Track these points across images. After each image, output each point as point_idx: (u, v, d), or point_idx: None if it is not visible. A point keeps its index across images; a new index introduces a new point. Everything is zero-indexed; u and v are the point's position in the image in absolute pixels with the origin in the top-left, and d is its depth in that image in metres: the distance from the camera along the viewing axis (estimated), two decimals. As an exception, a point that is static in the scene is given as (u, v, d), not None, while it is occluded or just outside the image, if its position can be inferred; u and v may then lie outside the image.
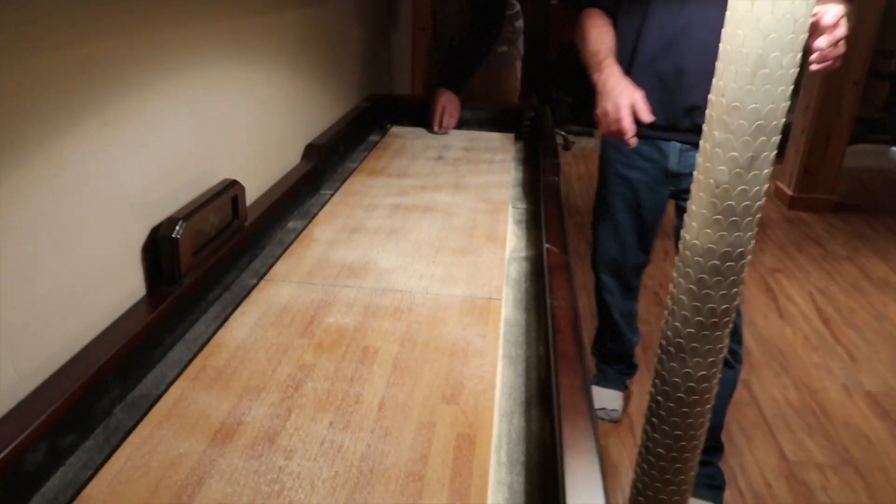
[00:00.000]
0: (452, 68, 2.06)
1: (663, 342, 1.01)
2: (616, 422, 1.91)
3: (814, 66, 1.09)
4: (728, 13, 0.83)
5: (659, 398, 1.02)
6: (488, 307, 1.00)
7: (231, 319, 0.94)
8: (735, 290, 0.94)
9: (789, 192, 3.68)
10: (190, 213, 0.96)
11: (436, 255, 1.17)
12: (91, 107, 0.78)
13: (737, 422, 1.92)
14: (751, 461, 1.78)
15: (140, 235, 0.91)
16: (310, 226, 1.27)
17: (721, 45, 0.89)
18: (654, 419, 1.04)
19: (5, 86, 0.65)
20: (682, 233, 0.97)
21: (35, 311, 0.72)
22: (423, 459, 0.69)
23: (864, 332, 2.44)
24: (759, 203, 0.91)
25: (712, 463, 1.67)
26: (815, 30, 1.05)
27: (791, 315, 2.54)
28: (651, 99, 1.36)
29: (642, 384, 2.05)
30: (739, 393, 1.99)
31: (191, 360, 0.86)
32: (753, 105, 0.84)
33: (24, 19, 0.67)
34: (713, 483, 1.64)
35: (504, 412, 0.81)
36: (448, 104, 1.97)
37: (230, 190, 1.08)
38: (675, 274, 0.98)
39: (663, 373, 1.01)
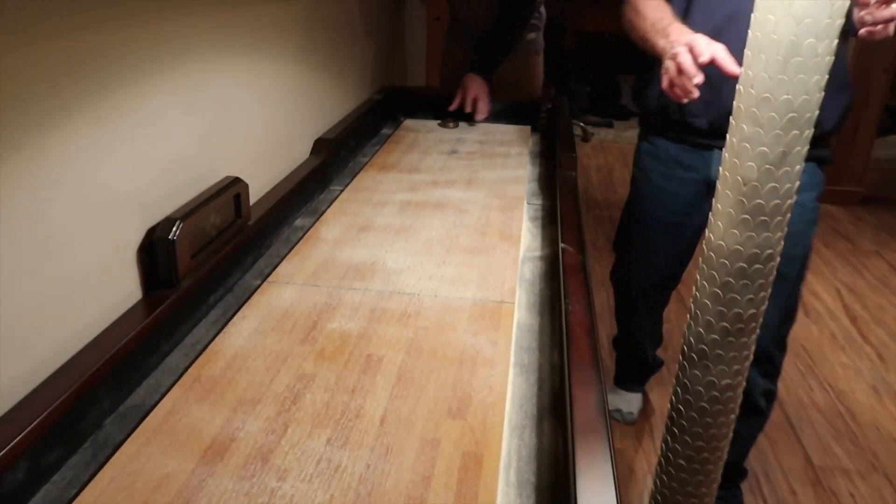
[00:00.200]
0: (484, 54, 2.00)
1: (685, 348, 0.95)
2: (632, 424, 1.86)
3: (863, 30, 0.97)
4: (759, -3, 0.77)
5: (680, 407, 0.97)
6: (500, 311, 0.95)
7: (230, 324, 0.90)
8: (763, 294, 0.88)
9: (816, 185, 3.57)
10: (188, 212, 0.92)
11: (446, 254, 1.12)
12: (80, 102, 0.74)
13: (761, 424, 1.85)
14: (775, 467, 1.72)
15: (136, 237, 0.88)
16: (317, 224, 1.23)
17: (750, 32, 0.82)
18: (674, 429, 0.99)
19: (-19, 82, 0.62)
20: (707, 233, 0.91)
21: (20, 319, 0.68)
22: (426, 482, 0.64)
23: (894, 330, 2.35)
24: (789, 202, 0.84)
25: (735, 486, 1.60)
26: None
27: (817, 313, 2.45)
28: (672, 103, 1.26)
29: (663, 388, 1.99)
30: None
31: (187, 368, 0.82)
32: (785, 96, 0.77)
33: (4, 8, 0.63)
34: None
35: (514, 426, 0.76)
36: (480, 91, 1.92)
37: (232, 188, 1.04)
38: (698, 276, 0.92)
39: (685, 381, 0.95)
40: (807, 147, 0.83)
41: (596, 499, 0.59)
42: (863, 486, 1.66)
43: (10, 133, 0.65)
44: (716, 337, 0.89)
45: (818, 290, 2.61)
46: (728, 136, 0.87)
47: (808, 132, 0.81)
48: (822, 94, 0.80)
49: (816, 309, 2.47)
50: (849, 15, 0.75)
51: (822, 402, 1.96)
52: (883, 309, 2.49)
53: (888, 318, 2.43)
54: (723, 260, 0.85)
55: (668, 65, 1.03)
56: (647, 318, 1.75)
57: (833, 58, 0.78)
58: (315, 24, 1.50)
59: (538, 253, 1.19)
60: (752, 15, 0.80)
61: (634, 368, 1.91)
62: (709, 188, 1.41)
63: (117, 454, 0.67)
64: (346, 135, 1.63)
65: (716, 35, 1.19)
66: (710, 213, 0.91)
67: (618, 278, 1.75)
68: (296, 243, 1.15)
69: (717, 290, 0.87)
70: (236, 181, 1.05)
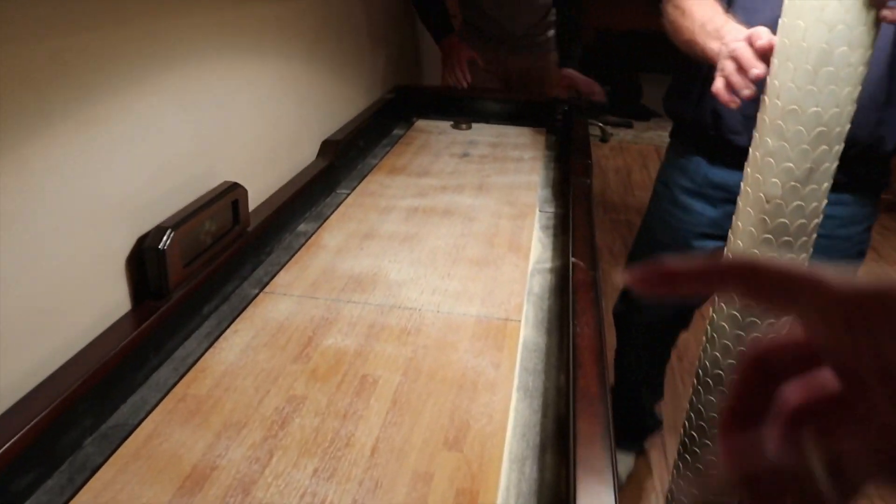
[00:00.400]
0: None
1: (700, 372, 0.90)
2: (620, 489, 1.72)
3: (886, 12, 0.89)
4: (786, 1, 0.71)
5: (693, 434, 0.91)
6: (504, 330, 0.90)
7: (222, 338, 0.86)
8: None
9: (841, 190, 3.47)
10: (181, 220, 0.88)
11: (452, 265, 1.07)
12: (65, 105, 0.71)
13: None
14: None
15: (125, 245, 0.84)
16: (320, 230, 1.19)
17: (777, 38, 0.77)
18: (686, 456, 0.94)
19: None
20: (725, 251, 0.85)
21: (-7, 335, 0.65)
22: (415, 522, 0.60)
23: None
24: (815, 221, 0.79)
25: None
26: None
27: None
28: (732, 112, 1.13)
29: (677, 407, 1.93)
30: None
31: (175, 384, 0.79)
32: (814, 108, 0.72)
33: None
34: None
35: (515, 458, 0.71)
36: (465, 53, 1.88)
37: (230, 193, 1.00)
38: (715, 297, 0.87)
39: (699, 406, 0.90)
40: (836, 163, 0.77)
41: (598, 549, 0.54)
42: (886, 509, 1.59)
43: (-18, 141, 0.61)
44: (733, 362, 0.84)
45: (842, 300, 2.53)
46: (751, 149, 0.82)
47: (838, 148, 0.75)
48: (854, 106, 0.74)
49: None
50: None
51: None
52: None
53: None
54: None
55: (725, 64, 0.87)
56: (647, 359, 1.58)
57: (866, 68, 0.72)
58: (325, 21, 1.46)
59: (548, 265, 1.14)
60: (780, 20, 0.74)
61: (628, 422, 1.71)
62: None
63: (91, 481, 0.63)
64: (355, 136, 1.58)
65: None
66: (730, 231, 0.85)
67: (621, 309, 1.56)
68: (297, 251, 1.11)
69: (736, 314, 0.81)
70: (234, 186, 1.01)
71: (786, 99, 0.74)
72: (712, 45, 0.94)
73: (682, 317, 1.45)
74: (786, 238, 0.77)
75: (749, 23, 0.97)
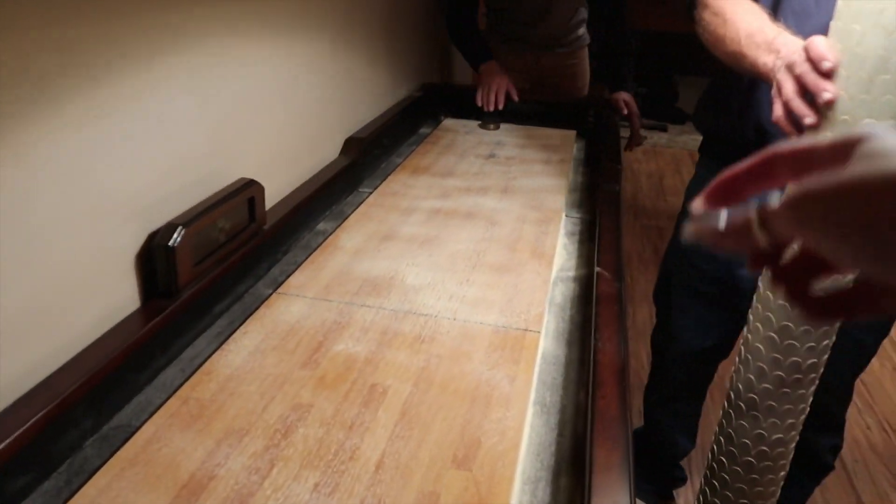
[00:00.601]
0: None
1: (732, 395, 0.85)
2: None
3: None
4: (840, 3, 0.66)
5: (722, 459, 0.87)
6: (523, 341, 0.86)
7: (230, 340, 0.84)
8: (826, 342, 0.77)
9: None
10: (193, 217, 0.86)
11: (471, 271, 1.03)
12: (70, 95, 0.69)
13: (810, 462, 1.71)
14: (824, 511, 1.59)
15: (135, 242, 0.82)
16: (338, 230, 1.16)
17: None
18: (714, 482, 0.89)
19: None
20: (765, 270, 0.80)
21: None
22: (417, 547, 0.56)
23: (966, 365, 2.16)
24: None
25: None
26: None
27: (879, 341, 2.28)
28: (780, 128, 1.05)
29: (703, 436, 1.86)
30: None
31: (181, 386, 0.77)
32: (868, 120, 0.67)
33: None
34: None
35: (528, 479, 0.68)
36: (501, 85, 1.82)
37: (246, 190, 0.98)
38: (750, 316, 0.82)
39: (730, 430, 0.85)
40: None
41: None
42: (922, 540, 1.52)
43: (-15, 132, 0.59)
44: (768, 386, 0.79)
45: (881, 316, 2.43)
46: None
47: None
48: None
49: (878, 337, 2.30)
50: None
51: (881, 443, 1.81)
52: (953, 341, 2.30)
53: (958, 351, 2.24)
54: (782, 301, 0.74)
55: (784, 86, 0.76)
56: (683, 397, 1.43)
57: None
58: (351, 15, 1.43)
59: (572, 273, 1.10)
60: (832, 24, 0.69)
61: (655, 468, 1.55)
62: None
63: (86, 486, 0.61)
64: (380, 134, 1.56)
65: None
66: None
67: (659, 343, 1.42)
68: (313, 250, 1.09)
69: (773, 335, 0.76)
70: (251, 183, 0.98)
71: (837, 109, 0.68)
72: (765, 60, 0.84)
73: (722, 345, 1.33)
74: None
75: (800, 29, 0.89)
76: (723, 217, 0.31)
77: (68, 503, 0.60)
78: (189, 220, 0.85)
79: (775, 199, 0.28)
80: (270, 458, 0.65)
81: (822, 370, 0.79)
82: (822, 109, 0.69)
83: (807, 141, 0.29)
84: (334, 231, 1.16)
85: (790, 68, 0.75)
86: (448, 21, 1.93)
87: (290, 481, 0.62)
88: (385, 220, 1.21)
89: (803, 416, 0.83)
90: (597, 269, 0.96)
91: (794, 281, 0.31)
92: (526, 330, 0.89)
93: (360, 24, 1.49)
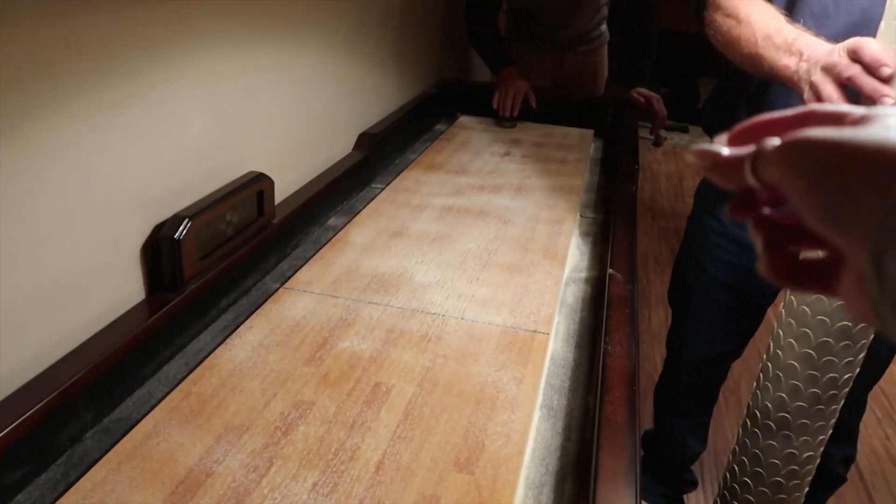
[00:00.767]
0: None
1: (757, 414, 0.82)
2: None
3: None
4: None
5: (747, 480, 0.83)
6: (531, 343, 0.84)
7: (234, 335, 0.83)
8: (862, 355, 0.74)
9: None
10: (200, 210, 0.85)
11: (481, 270, 1.02)
12: (77, 87, 0.68)
13: (827, 472, 1.68)
14: (840, 522, 1.55)
15: (141, 234, 0.81)
16: (349, 225, 1.15)
17: (878, 41, 0.68)
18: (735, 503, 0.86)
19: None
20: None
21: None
22: (414, 552, 0.55)
23: None
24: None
25: None
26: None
27: (901, 350, 2.23)
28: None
29: (713, 440, 1.83)
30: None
31: (183, 379, 0.76)
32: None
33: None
34: None
35: (531, 483, 0.66)
36: (520, 91, 1.79)
37: (255, 184, 0.97)
38: (780, 332, 0.79)
39: (756, 451, 0.82)
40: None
41: None
42: (941, 556, 1.48)
43: (-12, 119, 0.59)
44: (803, 405, 0.76)
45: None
46: None
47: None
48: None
49: (900, 346, 2.25)
50: None
51: (900, 453, 1.77)
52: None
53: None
54: (821, 317, 0.71)
55: (823, 86, 0.71)
56: (695, 399, 1.41)
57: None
58: (367, 10, 1.42)
59: (584, 274, 1.08)
60: (884, 23, 0.66)
61: (666, 471, 1.52)
62: None
63: (82, 480, 0.61)
64: (394, 130, 1.54)
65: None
66: None
67: (673, 347, 1.39)
68: (322, 246, 1.08)
69: (811, 352, 0.73)
70: (260, 177, 0.98)
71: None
72: (787, 62, 0.80)
73: (735, 349, 1.30)
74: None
75: (820, 30, 0.86)
76: (726, 148, 0.31)
77: (64, 496, 0.59)
78: (196, 212, 0.84)
79: (776, 141, 0.28)
80: (269, 456, 0.64)
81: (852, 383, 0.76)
82: None
83: (844, 107, 0.29)
84: (344, 227, 1.15)
85: (829, 70, 0.72)
86: (468, 24, 1.91)
87: (288, 480, 0.61)
88: (396, 216, 1.19)
89: (830, 431, 0.80)
90: (609, 270, 0.94)
91: (773, 236, 0.31)
92: (535, 331, 0.87)
93: (376, 18, 1.48)
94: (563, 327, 0.93)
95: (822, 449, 0.79)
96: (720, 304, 1.22)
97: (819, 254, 0.30)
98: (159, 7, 0.78)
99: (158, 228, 0.82)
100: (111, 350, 0.72)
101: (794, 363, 0.74)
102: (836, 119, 0.29)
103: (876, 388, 1.97)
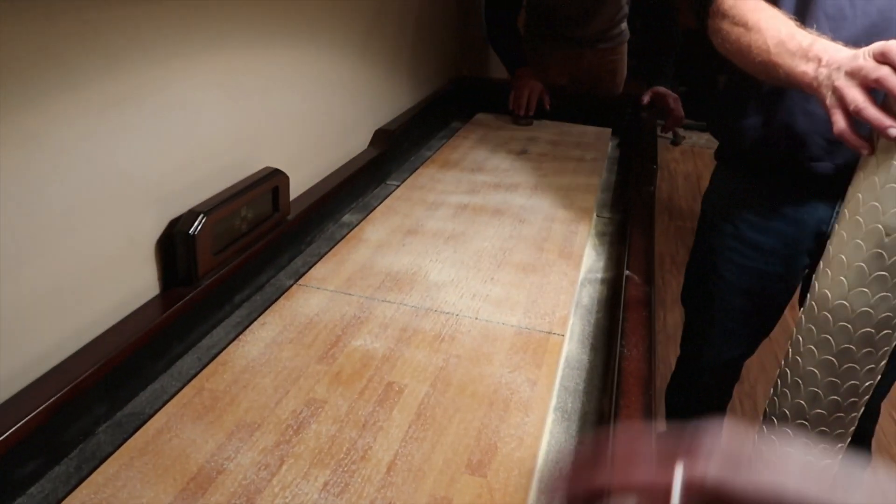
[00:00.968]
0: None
1: (774, 420, 0.80)
2: None
3: None
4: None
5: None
6: (546, 344, 0.83)
7: (248, 331, 0.83)
8: (883, 362, 0.72)
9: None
10: (215, 205, 0.85)
11: (496, 269, 1.01)
12: (92, 81, 0.68)
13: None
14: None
15: (156, 229, 0.81)
16: (363, 222, 1.15)
17: None
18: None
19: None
20: (819, 289, 0.74)
21: (12, 312, 0.62)
22: (425, 555, 0.54)
23: None
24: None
25: None
26: None
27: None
28: (814, 136, 0.94)
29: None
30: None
31: (196, 374, 0.76)
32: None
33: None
34: None
35: (546, 487, 0.65)
36: (534, 91, 1.78)
37: (270, 180, 0.96)
38: (800, 338, 0.77)
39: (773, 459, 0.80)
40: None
41: None
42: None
43: (2, 112, 0.59)
44: (822, 412, 0.74)
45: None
46: (862, 173, 0.71)
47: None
48: None
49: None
50: None
51: (920, 460, 1.74)
52: None
53: None
54: (843, 323, 0.70)
55: (847, 91, 0.69)
56: (709, 397, 1.37)
57: None
58: (383, 6, 1.41)
59: (600, 275, 1.07)
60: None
61: None
62: (818, 244, 1.05)
63: (94, 474, 0.61)
64: (410, 126, 1.54)
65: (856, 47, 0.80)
66: (825, 266, 0.75)
67: (688, 353, 1.36)
68: (337, 243, 1.07)
69: (832, 358, 0.72)
70: (275, 173, 0.97)
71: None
72: (805, 69, 0.78)
73: (749, 351, 1.28)
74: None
75: (835, 33, 0.84)
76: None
77: (76, 490, 0.59)
78: (211, 208, 0.84)
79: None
80: (281, 454, 0.64)
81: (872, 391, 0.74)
82: None
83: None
84: (359, 224, 1.14)
85: (853, 75, 0.70)
86: (487, 23, 1.90)
87: (298, 479, 0.61)
88: (410, 213, 1.19)
89: (850, 439, 0.78)
90: (626, 272, 0.93)
91: None
92: (550, 332, 0.86)
93: (394, 15, 1.47)
94: (578, 329, 0.92)
95: (840, 457, 0.78)
96: (737, 308, 1.20)
97: None
98: (175, 3, 0.78)
99: (173, 223, 0.82)
100: (125, 345, 0.72)
101: (815, 370, 0.73)
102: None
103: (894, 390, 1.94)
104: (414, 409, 0.71)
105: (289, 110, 1.08)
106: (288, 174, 1.00)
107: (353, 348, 0.80)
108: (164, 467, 0.62)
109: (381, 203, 1.23)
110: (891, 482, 0.34)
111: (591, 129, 1.77)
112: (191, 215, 0.82)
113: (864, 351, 0.69)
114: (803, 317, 0.76)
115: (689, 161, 3.97)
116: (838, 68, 0.72)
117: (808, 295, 0.77)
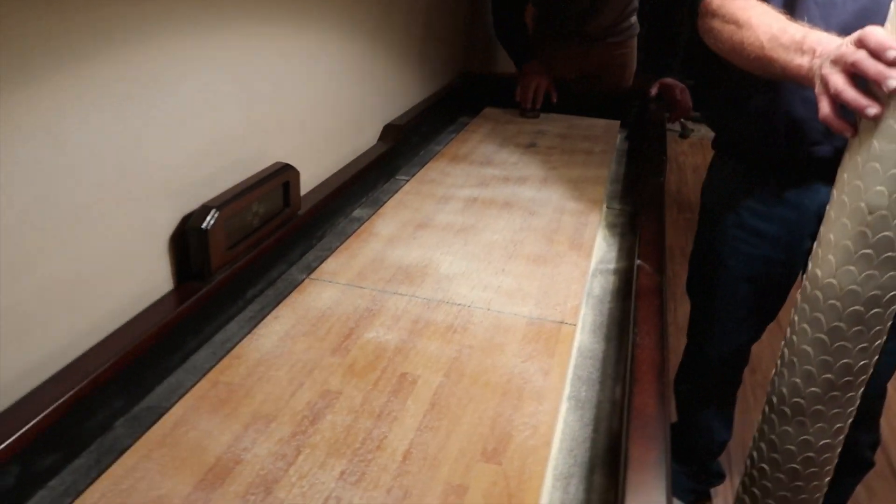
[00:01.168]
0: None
1: (774, 399, 0.81)
2: None
3: None
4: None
5: (764, 466, 0.83)
6: (558, 334, 0.83)
7: (262, 325, 0.83)
8: (878, 342, 0.73)
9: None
10: (227, 200, 0.85)
11: (507, 261, 1.01)
12: (105, 77, 0.68)
13: (859, 469, 1.64)
14: (873, 520, 1.52)
15: (169, 223, 0.82)
16: (374, 217, 1.15)
17: (887, 26, 0.67)
18: (755, 490, 0.85)
19: (-12, 52, 0.56)
20: (812, 268, 0.76)
21: (27, 309, 0.63)
22: (442, 542, 0.55)
23: None
24: (925, 235, 0.68)
25: None
26: None
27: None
28: (812, 120, 0.93)
29: (740, 431, 1.80)
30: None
31: (211, 368, 0.76)
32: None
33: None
34: None
35: (559, 475, 0.65)
36: (541, 84, 1.78)
37: (281, 174, 0.97)
38: (796, 318, 0.78)
39: (772, 437, 0.81)
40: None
41: None
42: (978, 555, 1.44)
43: (16, 106, 0.59)
44: (816, 390, 0.75)
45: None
46: (848, 154, 0.72)
47: (958, 151, 0.65)
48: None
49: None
50: None
51: (935, 449, 1.73)
52: None
53: None
54: (833, 301, 0.70)
55: (830, 77, 0.70)
56: (718, 383, 1.39)
57: None
58: (392, 2, 1.41)
59: (612, 265, 1.06)
60: (892, 8, 0.64)
61: (693, 463, 1.48)
62: (819, 221, 1.02)
63: (114, 466, 0.61)
64: (419, 121, 1.54)
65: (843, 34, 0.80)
66: (817, 246, 0.76)
67: (695, 341, 1.37)
68: (348, 237, 1.08)
69: (823, 336, 0.72)
70: (286, 168, 0.98)
71: (896, 93, 0.64)
72: (800, 62, 0.78)
73: (756, 336, 1.29)
74: (889, 254, 0.67)
75: (826, 20, 0.85)
76: None
77: (96, 482, 0.60)
78: (223, 203, 0.84)
79: None
80: (297, 444, 0.64)
81: (871, 372, 0.74)
82: (886, 98, 0.65)
83: None
84: (370, 218, 1.15)
85: (836, 62, 0.71)
86: (494, 17, 1.90)
87: (315, 469, 0.61)
88: (421, 207, 1.19)
89: (850, 420, 0.78)
90: (637, 261, 0.93)
91: None
92: (562, 322, 0.86)
93: (403, 10, 1.47)
94: (589, 319, 0.92)
95: (840, 438, 0.78)
96: (741, 295, 1.20)
97: None
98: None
99: (186, 219, 0.83)
100: (140, 339, 0.72)
101: (808, 348, 0.73)
102: None
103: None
104: (428, 399, 0.71)
105: (299, 105, 1.08)
106: (298, 169, 1.00)
107: (366, 340, 0.80)
108: (181, 459, 0.62)
109: (391, 197, 1.24)
110: None
111: (599, 122, 1.77)
112: (203, 210, 0.82)
113: (855, 329, 0.70)
114: (799, 296, 0.77)
115: (697, 154, 3.95)
116: (827, 57, 0.73)
117: (804, 275, 0.77)
